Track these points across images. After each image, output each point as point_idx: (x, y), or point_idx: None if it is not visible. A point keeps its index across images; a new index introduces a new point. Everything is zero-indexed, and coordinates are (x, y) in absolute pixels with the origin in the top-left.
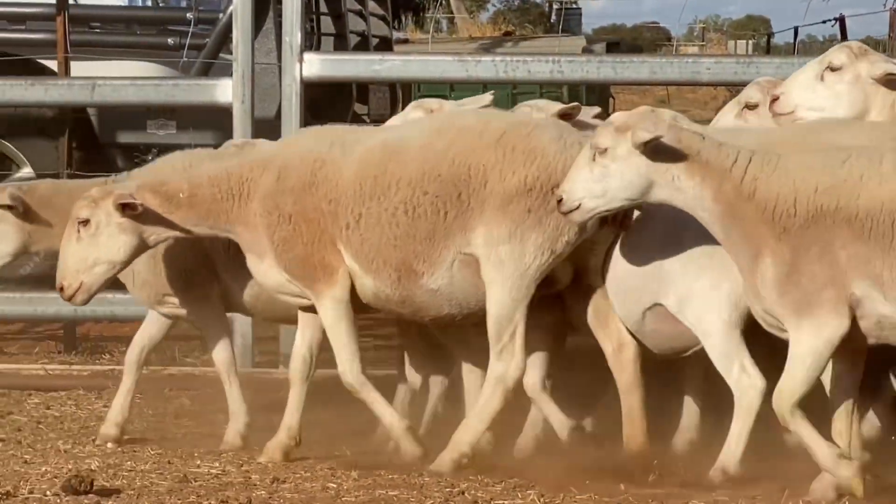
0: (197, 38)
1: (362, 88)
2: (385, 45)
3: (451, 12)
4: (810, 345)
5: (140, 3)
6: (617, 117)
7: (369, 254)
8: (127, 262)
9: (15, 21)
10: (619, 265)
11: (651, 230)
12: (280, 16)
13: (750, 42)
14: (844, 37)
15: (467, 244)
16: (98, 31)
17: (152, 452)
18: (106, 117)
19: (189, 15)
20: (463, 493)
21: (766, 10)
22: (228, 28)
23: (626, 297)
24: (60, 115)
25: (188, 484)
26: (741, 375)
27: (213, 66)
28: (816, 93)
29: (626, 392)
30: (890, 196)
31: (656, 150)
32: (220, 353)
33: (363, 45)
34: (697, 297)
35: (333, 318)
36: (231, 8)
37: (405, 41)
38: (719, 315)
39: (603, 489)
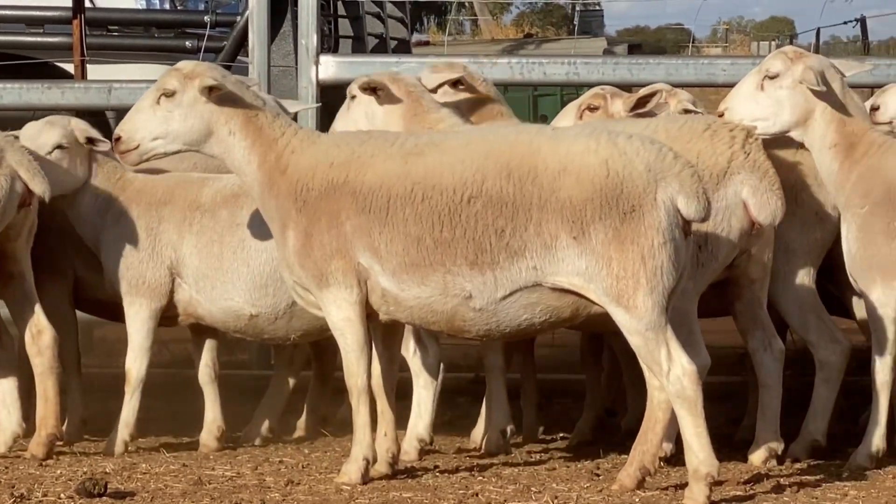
0: (214, 41)
1: None
2: (403, 48)
3: (475, 14)
4: (338, 318)
5: (157, 6)
6: (185, 64)
7: None
8: None
9: (33, 24)
10: None
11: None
12: (297, 18)
13: (773, 43)
14: (865, 37)
15: None
16: (115, 34)
17: (167, 455)
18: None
19: (206, 18)
20: (476, 494)
21: (790, 12)
22: (246, 31)
23: None
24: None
25: (202, 486)
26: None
27: (232, 69)
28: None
29: (42, 376)
30: (389, 174)
31: (221, 103)
32: None
33: (381, 48)
34: None
35: None
36: (248, 11)
37: (426, 43)
38: None
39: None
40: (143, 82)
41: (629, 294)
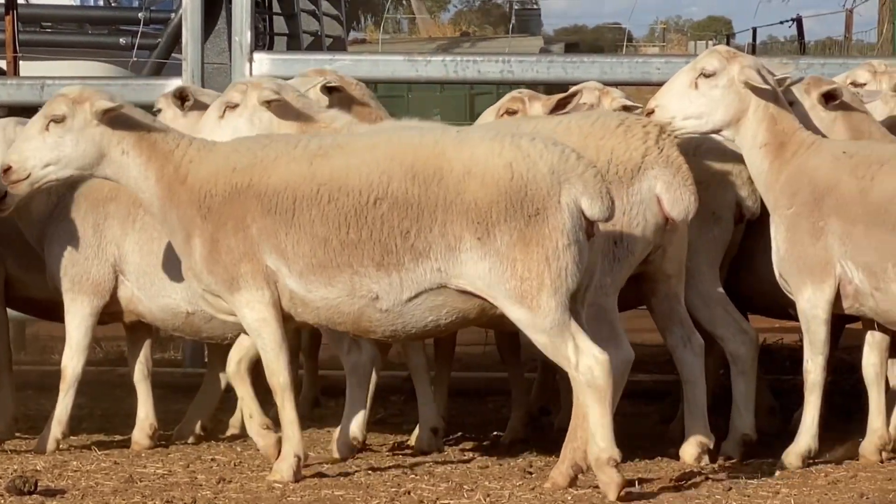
0: (148, 38)
1: None
2: (338, 45)
3: (412, 13)
4: (252, 319)
5: (91, 3)
6: (70, 90)
7: None
8: None
9: None
10: None
11: None
12: (231, 15)
13: (710, 43)
14: (802, 37)
15: None
16: (49, 30)
17: (99, 453)
18: None
19: (140, 15)
20: (409, 492)
21: (728, 11)
22: (180, 28)
23: None
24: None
25: (133, 484)
26: None
27: (167, 66)
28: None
29: None
30: (294, 176)
31: (112, 124)
32: None
33: (316, 45)
34: None
35: None
36: (182, 8)
37: (363, 41)
38: None
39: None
40: (76, 79)
41: (533, 294)
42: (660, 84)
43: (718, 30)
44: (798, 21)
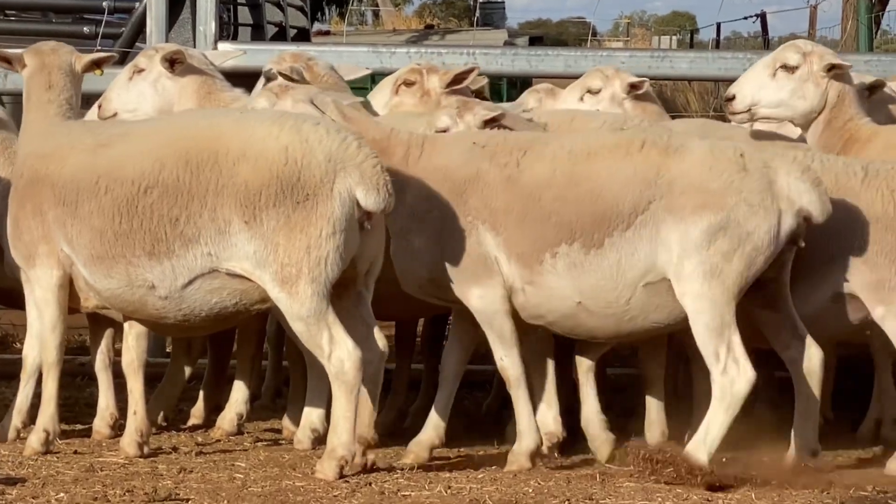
0: (112, 27)
1: None
2: (303, 36)
3: (377, 5)
4: (38, 294)
5: None
6: None
7: None
8: None
9: None
10: None
11: None
12: (196, 5)
13: (674, 38)
14: (766, 33)
15: None
16: (12, 18)
17: (59, 442)
18: (19, 105)
19: (105, 3)
20: (370, 483)
21: (692, 6)
22: (144, 17)
23: None
24: None
25: (94, 473)
26: None
27: (131, 55)
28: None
29: None
30: (80, 166)
31: None
32: None
33: (281, 36)
34: None
35: None
36: None
37: (327, 33)
38: None
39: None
40: None
41: (292, 281)
42: None
43: (682, 25)
44: (762, 17)
